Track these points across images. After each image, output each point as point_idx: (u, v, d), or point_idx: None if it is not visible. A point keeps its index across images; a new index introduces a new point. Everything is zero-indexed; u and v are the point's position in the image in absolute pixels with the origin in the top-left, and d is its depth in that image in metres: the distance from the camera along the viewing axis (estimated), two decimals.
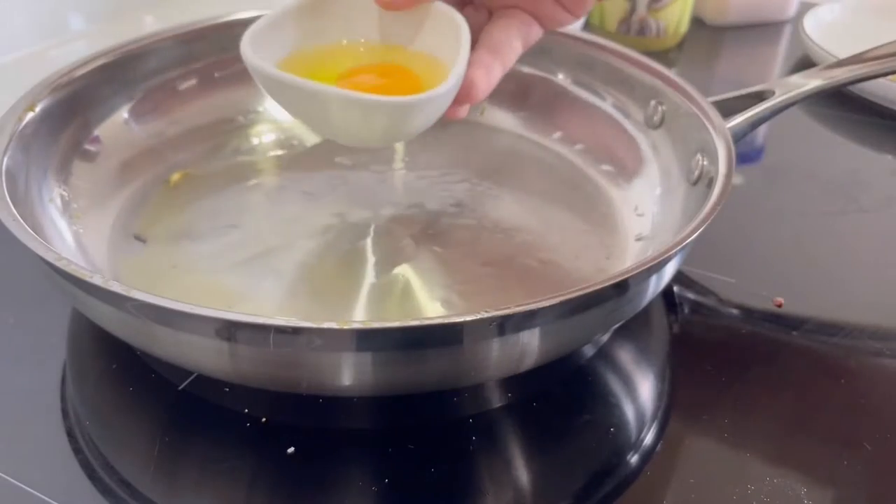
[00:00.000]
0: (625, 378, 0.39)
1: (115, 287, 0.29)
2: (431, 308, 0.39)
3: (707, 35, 0.80)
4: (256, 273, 0.42)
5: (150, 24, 0.76)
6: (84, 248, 0.41)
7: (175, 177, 0.49)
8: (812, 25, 0.72)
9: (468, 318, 0.29)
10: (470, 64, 0.35)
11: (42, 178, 0.41)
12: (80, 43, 0.70)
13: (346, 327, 0.28)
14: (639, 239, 0.45)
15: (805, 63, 0.73)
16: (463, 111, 0.37)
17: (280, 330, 0.28)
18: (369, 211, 0.47)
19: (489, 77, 0.36)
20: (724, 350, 0.40)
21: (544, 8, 0.38)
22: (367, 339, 0.29)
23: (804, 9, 0.81)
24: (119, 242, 0.43)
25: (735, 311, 0.43)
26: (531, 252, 0.44)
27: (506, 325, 0.30)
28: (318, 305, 0.40)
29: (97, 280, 0.30)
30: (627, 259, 0.43)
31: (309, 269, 0.42)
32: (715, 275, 0.45)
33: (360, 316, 0.39)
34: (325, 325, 0.28)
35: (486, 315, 0.29)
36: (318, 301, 0.40)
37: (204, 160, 0.51)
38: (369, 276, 0.42)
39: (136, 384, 0.36)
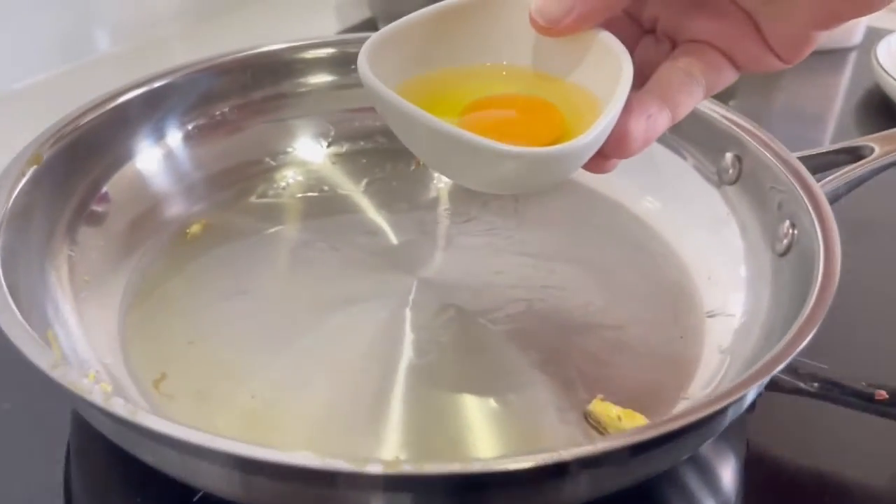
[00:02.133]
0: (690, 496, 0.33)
1: (118, 409, 0.25)
2: (483, 408, 0.34)
3: None
4: (281, 352, 0.37)
5: (176, 45, 0.72)
6: (90, 324, 0.36)
7: (194, 228, 0.44)
8: (885, 54, 0.66)
9: (533, 464, 0.23)
10: (630, 110, 0.29)
11: (44, 247, 0.36)
12: (105, 66, 0.66)
13: (392, 472, 0.23)
14: (711, 315, 0.39)
15: (874, 95, 0.68)
16: (610, 165, 0.30)
17: (310, 473, 0.23)
18: (408, 274, 0.42)
19: (650, 128, 0.29)
20: (811, 454, 0.35)
21: (745, 48, 0.30)
22: (415, 484, 0.24)
23: (871, 34, 0.75)
24: (130, 311, 0.38)
25: (828, 404, 0.37)
26: (594, 329, 0.39)
27: (579, 466, 0.25)
28: (346, 394, 0.35)
29: (97, 398, 0.25)
30: (704, 341, 0.38)
31: (338, 344, 0.37)
32: (803, 358, 0.39)
33: (395, 414, 0.34)
34: (368, 468, 0.23)
35: (554, 459, 0.23)
36: (347, 389, 0.35)
37: (226, 209, 0.46)
38: (406, 355, 0.37)
39: (145, 494, 0.32)
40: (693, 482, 0.33)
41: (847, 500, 0.33)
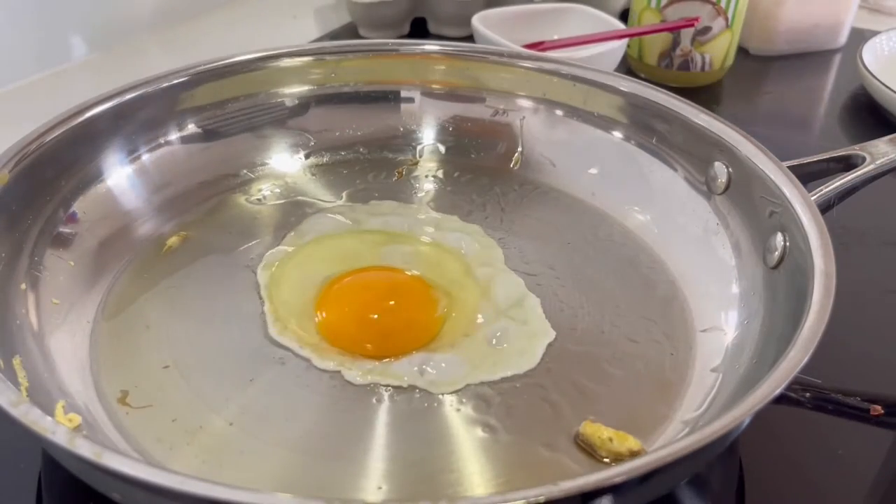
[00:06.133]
0: None
1: (83, 450, 0.23)
2: (470, 434, 0.33)
3: (751, 65, 0.73)
4: (259, 375, 0.35)
5: (153, 51, 0.70)
6: (59, 349, 0.35)
7: (172, 240, 0.43)
8: (871, 56, 0.65)
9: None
10: None
11: (9, 271, 0.35)
12: (82, 72, 0.65)
13: None
14: (702, 331, 0.38)
15: (860, 97, 0.67)
16: None
17: None
18: None
19: None
20: (806, 470, 0.34)
21: None
22: None
23: (855, 35, 0.75)
24: (101, 335, 0.37)
25: (822, 420, 0.36)
26: (582, 346, 0.37)
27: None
28: (327, 420, 0.34)
29: (60, 439, 0.24)
30: (695, 358, 0.37)
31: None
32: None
33: (378, 441, 0.32)
34: None
35: (546, 495, 0.22)
36: (329, 414, 0.34)
37: (201, 224, 0.45)
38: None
39: None
40: (682, 492, 0.32)
41: None
